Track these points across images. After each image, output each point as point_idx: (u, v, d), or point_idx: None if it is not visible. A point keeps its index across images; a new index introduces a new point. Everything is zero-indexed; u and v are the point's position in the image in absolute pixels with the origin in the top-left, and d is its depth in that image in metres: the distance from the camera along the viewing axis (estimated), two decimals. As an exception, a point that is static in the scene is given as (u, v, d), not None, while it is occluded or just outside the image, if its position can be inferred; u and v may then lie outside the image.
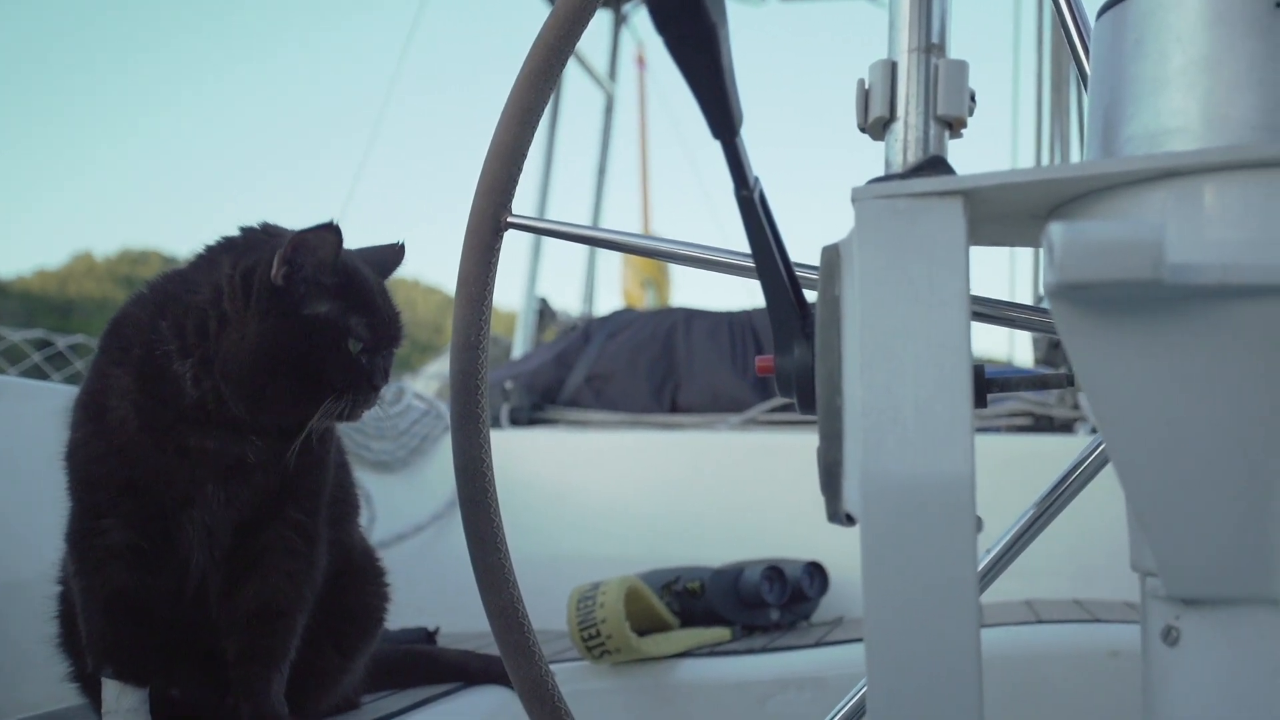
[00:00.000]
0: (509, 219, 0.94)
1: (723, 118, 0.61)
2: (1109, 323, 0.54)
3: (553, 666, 1.46)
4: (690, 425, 2.73)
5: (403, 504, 2.38)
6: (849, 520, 0.65)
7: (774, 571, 1.79)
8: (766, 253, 0.68)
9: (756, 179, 0.66)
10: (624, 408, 2.87)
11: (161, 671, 1.10)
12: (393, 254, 1.16)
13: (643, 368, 2.92)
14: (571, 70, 4.29)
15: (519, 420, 2.85)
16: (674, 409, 2.85)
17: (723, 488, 2.36)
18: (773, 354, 0.72)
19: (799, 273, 0.73)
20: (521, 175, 0.95)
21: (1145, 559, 0.63)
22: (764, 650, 1.55)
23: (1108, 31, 0.67)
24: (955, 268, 0.61)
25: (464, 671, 1.40)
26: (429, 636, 1.60)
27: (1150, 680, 0.63)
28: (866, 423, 0.61)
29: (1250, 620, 0.58)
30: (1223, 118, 0.60)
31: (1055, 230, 0.50)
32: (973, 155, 0.80)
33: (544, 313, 4.27)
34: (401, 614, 1.53)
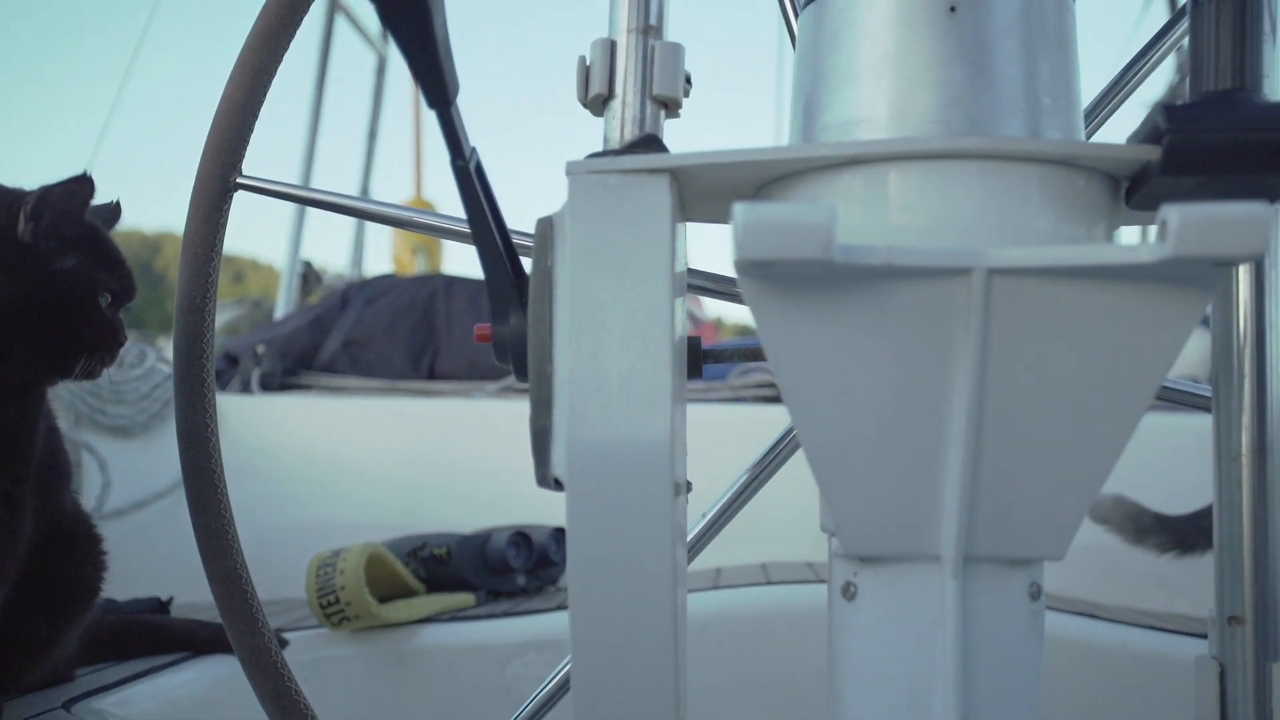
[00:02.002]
0: (238, 179, 0.92)
1: (437, 87, 0.62)
2: (789, 298, 0.57)
3: (291, 634, 1.44)
4: (448, 393, 2.72)
5: (144, 470, 2.29)
6: (557, 485, 0.67)
7: (521, 537, 1.81)
8: (483, 223, 0.69)
9: (473, 149, 0.67)
10: (381, 374, 2.84)
11: None
12: (110, 212, 1.13)
13: (402, 334, 2.89)
14: (344, 30, 4.17)
15: (270, 385, 2.77)
16: (432, 376, 2.84)
17: (477, 455, 2.37)
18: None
19: (521, 242, 0.74)
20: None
21: (829, 520, 0.67)
22: (506, 615, 1.57)
23: (810, 24, 0.70)
24: (662, 242, 0.64)
25: (191, 641, 1.36)
26: (161, 606, 1.55)
27: (832, 633, 0.68)
28: (573, 390, 0.64)
29: (917, 575, 0.63)
30: (904, 111, 0.64)
31: (737, 210, 0.53)
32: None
33: (308, 276, 4.16)
34: (139, 583, 1.48)
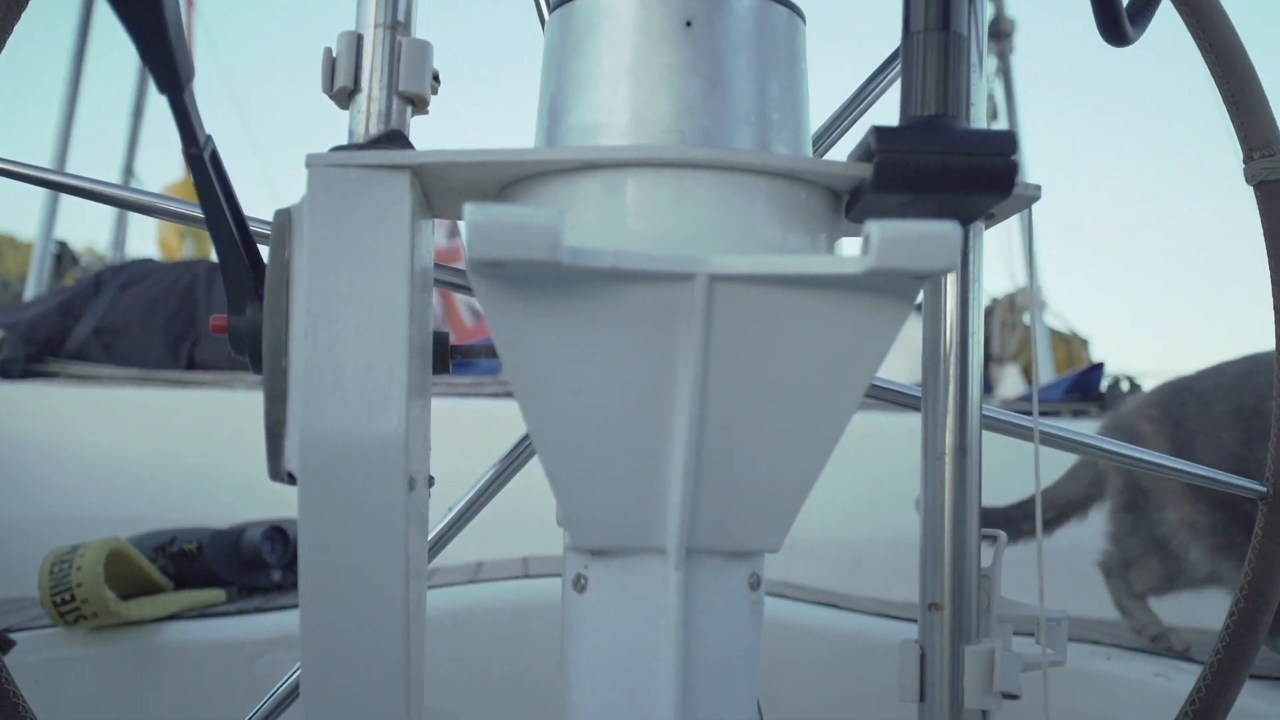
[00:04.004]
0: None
1: (168, 72, 0.60)
2: (521, 298, 0.59)
3: (22, 634, 1.37)
4: (207, 383, 2.62)
5: None
6: (290, 479, 0.67)
7: (277, 532, 1.77)
8: (219, 212, 0.68)
9: (209, 137, 0.66)
10: (136, 363, 2.72)
11: None
12: None
13: (159, 322, 2.77)
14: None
15: (11, 373, 2.62)
16: (191, 366, 2.73)
17: (237, 448, 2.30)
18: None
19: (260, 230, 0.73)
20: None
21: (561, 514, 0.69)
22: (257, 611, 1.53)
23: (558, 28, 0.72)
24: (401, 238, 0.64)
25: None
26: (-124, 608, 1.44)
27: (565, 624, 0.70)
28: (308, 383, 0.63)
29: (643, 568, 0.65)
30: (641, 119, 0.66)
31: (468, 210, 0.54)
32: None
33: (63, 257, 3.95)
34: None
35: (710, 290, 0.60)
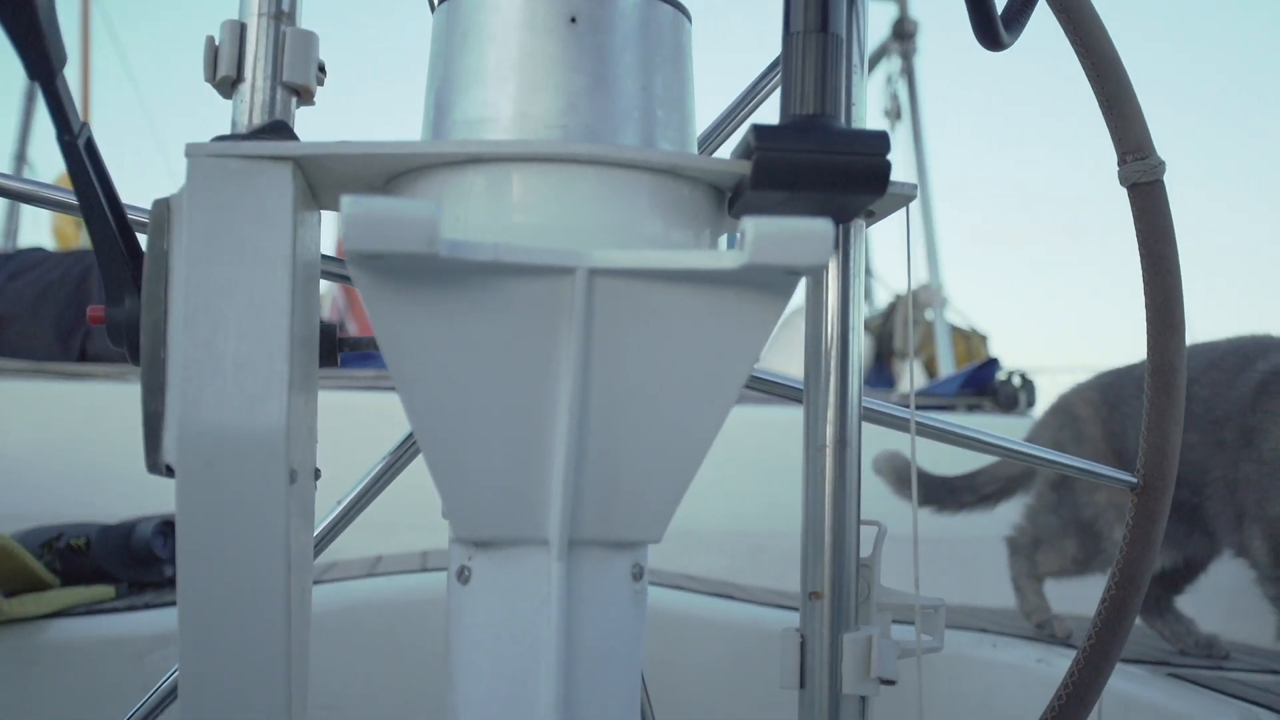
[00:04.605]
0: None
1: (39, 57, 0.59)
2: (401, 290, 0.59)
3: (-101, 635, 1.33)
4: (99, 375, 2.57)
5: None
6: (169, 471, 0.66)
7: (169, 526, 1.74)
8: (94, 200, 0.67)
9: (84, 125, 0.65)
10: (25, 354, 2.64)
11: None
12: None
13: (50, 312, 2.70)
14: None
15: (-112, 365, 2.53)
16: (84, 358, 2.67)
17: (129, 441, 2.25)
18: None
19: (137, 218, 0.72)
20: None
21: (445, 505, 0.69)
22: (147, 607, 1.51)
23: (444, 23, 0.72)
24: (282, 230, 0.64)
25: None
26: None
27: (450, 615, 0.70)
28: (186, 376, 0.63)
29: (526, 559, 0.66)
30: (525, 115, 0.67)
31: (344, 203, 0.54)
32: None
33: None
34: None
35: (590, 284, 0.60)
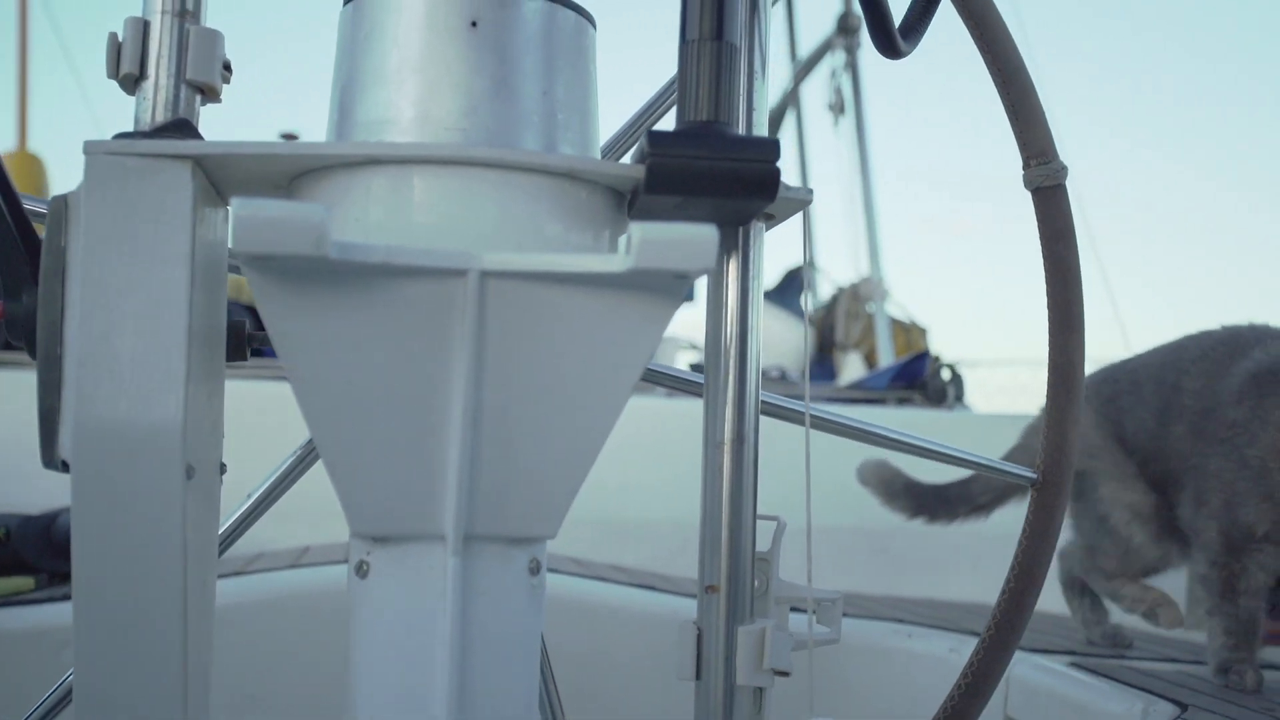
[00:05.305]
0: None
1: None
2: (294, 291, 0.60)
3: None
4: (26, 364, 2.53)
5: None
6: (64, 467, 0.66)
7: (92, 518, 1.73)
8: (-10, 196, 0.67)
9: (-19, 121, 0.65)
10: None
11: None
12: None
13: (-24, 298, 2.66)
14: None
15: None
16: (9, 346, 2.63)
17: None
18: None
19: (35, 208, 0.72)
20: None
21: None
22: (66, 598, 1.50)
23: (349, 23, 0.73)
24: (180, 228, 0.65)
25: None
26: None
27: (351, 609, 0.71)
28: (82, 371, 0.63)
29: (423, 554, 0.67)
30: (426, 117, 0.68)
31: (234, 205, 0.55)
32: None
33: None
34: None
35: (482, 286, 0.62)
